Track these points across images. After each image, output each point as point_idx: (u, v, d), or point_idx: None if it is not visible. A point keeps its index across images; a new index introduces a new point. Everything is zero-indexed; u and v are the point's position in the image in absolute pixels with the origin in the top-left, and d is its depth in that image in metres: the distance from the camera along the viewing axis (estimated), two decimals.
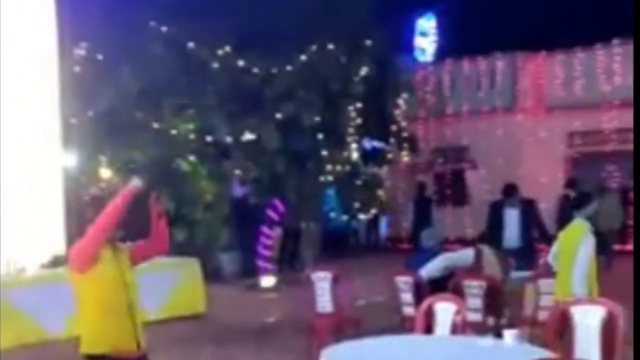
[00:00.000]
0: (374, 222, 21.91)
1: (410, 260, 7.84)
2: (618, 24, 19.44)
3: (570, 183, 13.92)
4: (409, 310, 7.01)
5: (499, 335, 6.61)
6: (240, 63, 14.64)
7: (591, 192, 11.72)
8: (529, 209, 9.42)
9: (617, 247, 13.58)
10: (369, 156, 18.45)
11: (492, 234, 8.94)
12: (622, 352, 4.75)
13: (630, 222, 18.80)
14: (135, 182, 4.29)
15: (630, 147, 20.12)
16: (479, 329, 6.55)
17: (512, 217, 9.32)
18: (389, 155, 19.31)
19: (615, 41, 19.87)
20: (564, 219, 13.00)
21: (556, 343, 4.95)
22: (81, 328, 4.40)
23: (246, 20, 13.96)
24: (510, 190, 9.50)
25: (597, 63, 20.09)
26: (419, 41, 24.99)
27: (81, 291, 4.33)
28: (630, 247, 17.13)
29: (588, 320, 4.79)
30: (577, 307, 4.94)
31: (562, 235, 6.55)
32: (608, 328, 4.79)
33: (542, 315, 6.45)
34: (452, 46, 23.14)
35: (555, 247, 6.66)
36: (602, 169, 18.91)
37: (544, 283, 6.85)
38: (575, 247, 6.15)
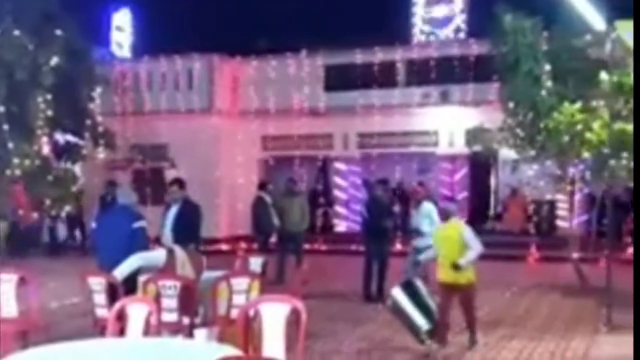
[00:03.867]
0: (76, 221, 20.77)
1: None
2: (309, 36, 20.90)
3: (263, 185, 14.53)
4: (102, 313, 6.78)
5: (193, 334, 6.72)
6: None
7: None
8: (187, 209, 9.52)
9: (306, 246, 14.33)
10: (62, 151, 17.56)
11: (161, 233, 9.08)
12: (304, 346, 5.07)
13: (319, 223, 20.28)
14: None
15: (315, 152, 21.81)
16: (175, 329, 6.57)
17: (170, 217, 9.40)
18: (84, 151, 18.56)
19: (303, 52, 21.25)
20: (258, 219, 13.67)
21: (246, 340, 5.13)
22: None
23: None
24: (173, 185, 9.52)
25: (288, 72, 21.31)
26: (116, 35, 24.46)
27: None
28: (318, 245, 18.46)
29: (274, 317, 5.05)
30: (264, 304, 5.17)
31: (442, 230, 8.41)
32: (292, 323, 5.09)
33: (235, 313, 6.64)
34: (149, 43, 23.04)
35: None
36: (293, 172, 20.10)
37: (236, 282, 7.08)
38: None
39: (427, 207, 11.42)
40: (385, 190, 12.29)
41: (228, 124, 21.70)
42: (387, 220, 11.57)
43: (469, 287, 8.15)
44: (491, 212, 23.34)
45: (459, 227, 8.21)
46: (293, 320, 5.10)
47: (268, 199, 13.88)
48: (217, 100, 21.52)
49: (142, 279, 6.97)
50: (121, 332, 5.19)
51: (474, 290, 8.26)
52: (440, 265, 8.22)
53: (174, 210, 9.29)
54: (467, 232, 8.08)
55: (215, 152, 21.07)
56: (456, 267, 7.90)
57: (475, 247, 8.00)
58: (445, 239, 8.18)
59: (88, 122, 18.13)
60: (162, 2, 23.14)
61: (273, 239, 13.75)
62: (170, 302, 6.61)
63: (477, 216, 22.02)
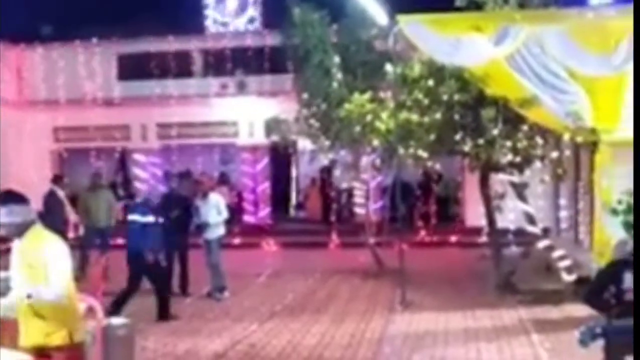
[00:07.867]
0: None
1: None
2: (99, 24, 20.06)
3: (56, 179, 13.78)
4: None
5: None
6: None
7: None
8: None
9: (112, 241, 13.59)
10: None
11: None
12: (101, 345, 4.90)
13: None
14: None
15: (113, 144, 21.03)
16: None
17: None
18: None
19: (94, 40, 20.35)
20: (48, 215, 12.91)
21: None
22: None
23: None
24: None
25: (78, 60, 20.35)
26: None
27: None
28: (120, 239, 17.42)
29: None
30: None
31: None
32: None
33: None
34: None
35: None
36: (90, 165, 19.27)
37: None
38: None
39: (214, 197, 11.46)
40: (187, 182, 12.04)
41: (15, 115, 20.28)
42: (174, 213, 10.92)
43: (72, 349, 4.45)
44: (293, 201, 23.92)
45: (44, 241, 4.48)
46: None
47: (61, 193, 13.20)
48: (1, 89, 20.06)
49: None
50: None
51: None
52: (21, 315, 4.48)
53: None
54: (54, 252, 4.43)
55: (2, 146, 19.67)
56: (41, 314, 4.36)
57: (58, 279, 4.39)
58: (23, 263, 4.46)
59: None
60: None
61: (72, 234, 13.09)
62: None
63: (280, 205, 22.47)
